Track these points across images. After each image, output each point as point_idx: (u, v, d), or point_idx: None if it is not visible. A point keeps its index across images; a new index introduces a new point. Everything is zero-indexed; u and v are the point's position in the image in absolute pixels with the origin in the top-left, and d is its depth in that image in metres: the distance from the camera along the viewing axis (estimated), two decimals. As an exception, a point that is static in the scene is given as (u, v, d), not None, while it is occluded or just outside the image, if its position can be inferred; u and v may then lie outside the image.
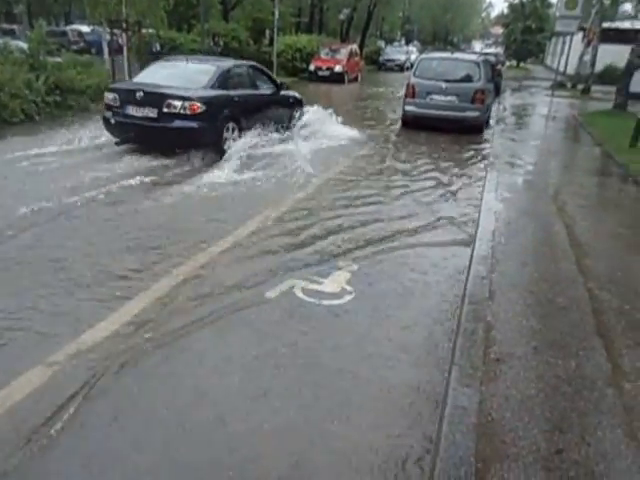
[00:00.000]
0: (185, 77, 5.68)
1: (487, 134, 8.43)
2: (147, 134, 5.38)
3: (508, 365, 2.24)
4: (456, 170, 5.93)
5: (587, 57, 16.88)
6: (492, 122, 9.40)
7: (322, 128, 7.08)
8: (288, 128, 6.74)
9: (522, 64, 32.78)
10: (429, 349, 2.39)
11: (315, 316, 2.60)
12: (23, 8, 27.28)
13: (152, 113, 5.25)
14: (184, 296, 2.68)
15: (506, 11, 34.11)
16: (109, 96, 5.58)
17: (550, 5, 29.18)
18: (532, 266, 3.31)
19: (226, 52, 14.30)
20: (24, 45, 9.08)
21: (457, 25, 50.33)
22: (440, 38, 47.99)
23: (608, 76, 17.13)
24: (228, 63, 6.29)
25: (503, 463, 1.73)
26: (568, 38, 16.43)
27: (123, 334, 2.33)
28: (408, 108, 8.43)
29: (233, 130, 5.73)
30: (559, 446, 1.81)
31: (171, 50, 14.14)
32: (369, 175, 5.39)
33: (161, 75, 5.79)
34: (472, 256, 3.36)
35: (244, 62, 6.93)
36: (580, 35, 17.29)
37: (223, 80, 5.75)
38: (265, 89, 6.57)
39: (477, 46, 45.78)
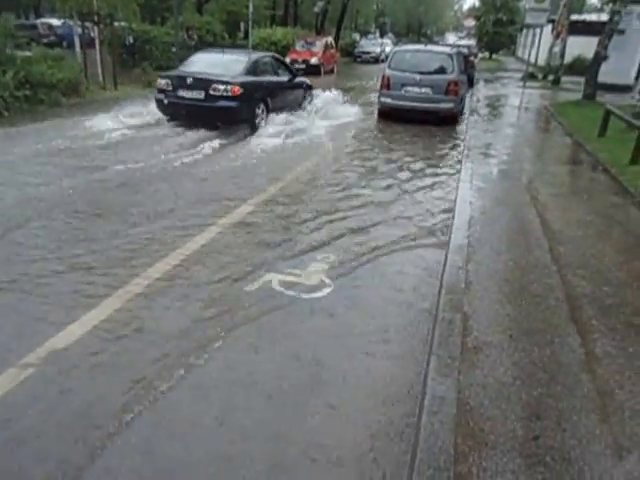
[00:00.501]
0: (223, 65, 7.01)
1: (461, 125, 8.55)
2: (195, 112, 6.62)
3: (485, 354, 2.25)
4: (432, 161, 5.98)
5: (557, 49, 17.36)
6: (466, 113, 9.54)
7: (329, 108, 8.57)
8: (302, 108, 8.26)
9: (494, 56, 33.41)
10: (408, 338, 2.38)
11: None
12: (-10, 1, 25.86)
13: (200, 95, 6.52)
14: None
15: (478, 4, 34.62)
16: (162, 82, 6.85)
17: (520, -2, 29.79)
18: (507, 255, 3.35)
19: (200, 45, 13.97)
20: (-10, 39, 8.70)
21: (430, 18, 50.87)
22: (414, 30, 48.38)
23: (577, 67, 17.62)
24: (256, 54, 7.83)
25: (481, 451, 1.73)
26: (538, 30, 16.85)
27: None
28: (384, 100, 8.47)
29: (262, 109, 7.05)
30: (536, 432, 1.82)
31: (144, 43, 13.72)
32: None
33: (203, 64, 7.12)
34: (448, 246, 3.38)
35: (267, 53, 8.56)
36: (549, 27, 17.74)
37: (253, 68, 7.11)
38: (283, 76, 7.96)
39: (450, 38, 46.35)
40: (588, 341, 2.40)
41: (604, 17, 13.28)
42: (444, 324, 2.41)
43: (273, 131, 6.77)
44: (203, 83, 6.52)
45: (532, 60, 17.85)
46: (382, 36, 35.05)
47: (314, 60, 16.51)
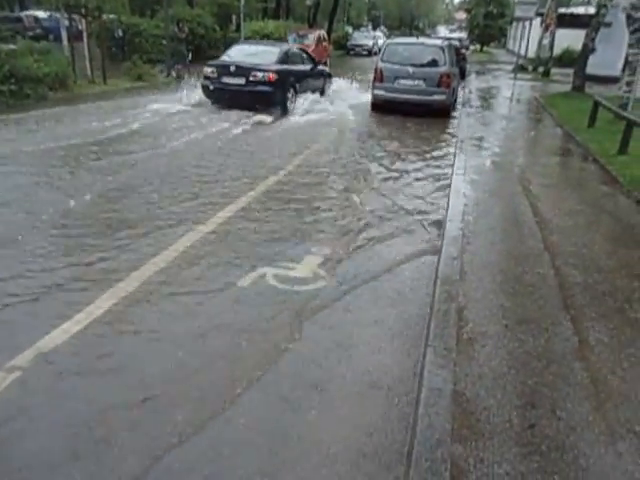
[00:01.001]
0: (259, 55, 8.21)
1: (454, 116, 8.58)
2: (237, 96, 7.79)
3: (481, 344, 2.25)
4: (424, 152, 6.00)
5: (546, 41, 17.52)
6: (459, 105, 9.57)
7: (343, 93, 9.97)
8: (323, 93, 9.56)
9: (485, 48, 33.56)
10: (403, 328, 2.37)
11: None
12: (-28, -7, 25.20)
13: (241, 81, 7.71)
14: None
15: (468, -3, 34.56)
16: (208, 69, 8.02)
17: (510, -9, 29.82)
18: (501, 245, 3.37)
19: (192, 38, 13.79)
20: (-27, 32, 8.51)
21: (422, 11, 50.84)
22: (406, 23, 48.27)
23: (566, 59, 17.86)
24: (285, 46, 9.26)
25: (478, 442, 1.73)
26: (527, 23, 16.95)
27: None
28: (377, 92, 8.48)
29: (292, 93, 8.24)
30: (531, 421, 1.83)
31: (133, 36, 13.48)
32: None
33: (242, 54, 8.31)
34: (443, 237, 3.38)
35: (291, 45, 10.30)
36: (538, 20, 17.84)
37: (284, 58, 8.31)
38: (308, 65, 9.15)
39: (442, 31, 46.27)
40: (581, 329, 2.42)
41: (591, 10, 13.39)
42: (439, 315, 2.40)
43: (301, 111, 8.10)
44: (244, 71, 7.72)
45: (522, 52, 17.98)
46: (375, 29, 34.90)
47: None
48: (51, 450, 1.66)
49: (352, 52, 23.69)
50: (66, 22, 10.47)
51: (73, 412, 1.81)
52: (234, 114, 7.54)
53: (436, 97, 8.19)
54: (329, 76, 10.07)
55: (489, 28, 31.10)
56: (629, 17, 9.07)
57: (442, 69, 8.21)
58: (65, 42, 10.29)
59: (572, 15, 18.52)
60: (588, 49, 11.81)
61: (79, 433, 1.72)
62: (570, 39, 17.17)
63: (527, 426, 1.81)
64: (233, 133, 6.52)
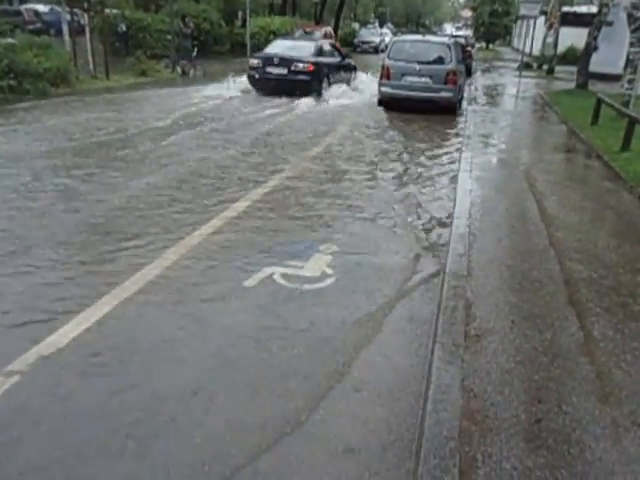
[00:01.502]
0: (297, 49, 9.53)
1: (460, 113, 8.60)
2: (280, 85, 9.01)
3: (488, 340, 2.27)
4: (433, 151, 5.99)
5: (550, 39, 17.58)
6: (465, 102, 9.56)
7: (365, 84, 10.93)
8: (349, 83, 10.61)
9: (491, 46, 33.56)
10: (411, 328, 2.38)
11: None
12: (-30, -15, 25.08)
13: (284, 71, 9.04)
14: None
15: (474, -5, 34.42)
16: (254, 61, 9.40)
17: (515, -10, 29.74)
18: (507, 241, 3.38)
19: (197, 34, 13.77)
20: (-29, 26, 8.46)
21: (428, 8, 50.63)
22: (412, 21, 48.10)
23: (570, 57, 17.87)
24: (320, 41, 10.84)
25: (486, 437, 1.74)
26: (532, 21, 16.96)
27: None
28: (384, 89, 8.50)
29: (326, 82, 9.52)
30: (538, 416, 1.85)
31: (138, 31, 13.45)
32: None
33: (282, 47, 9.61)
34: (450, 235, 3.39)
35: (325, 40, 12.15)
36: (542, 19, 17.84)
37: (319, 51, 9.70)
38: (337, 58, 10.42)
39: (448, 29, 46.02)
40: (586, 324, 2.44)
41: (594, 9, 13.41)
42: (447, 311, 2.42)
43: (334, 97, 9.23)
44: (286, 62, 9.00)
45: (527, 50, 17.96)
46: (381, 26, 34.65)
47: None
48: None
49: (359, 49, 23.63)
50: (68, 16, 10.41)
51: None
52: (279, 99, 8.82)
53: (443, 94, 8.19)
54: (354, 69, 11.22)
55: (494, 26, 31.09)
56: (630, 16, 9.12)
57: (448, 66, 8.22)
58: (66, 37, 10.20)
59: (575, 14, 18.56)
60: (591, 47, 11.89)
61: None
62: (573, 37, 17.22)
63: (534, 421, 1.82)
64: (284, 113, 7.90)
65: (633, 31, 8.69)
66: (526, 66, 16.81)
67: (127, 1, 11.85)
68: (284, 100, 8.73)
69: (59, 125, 6.21)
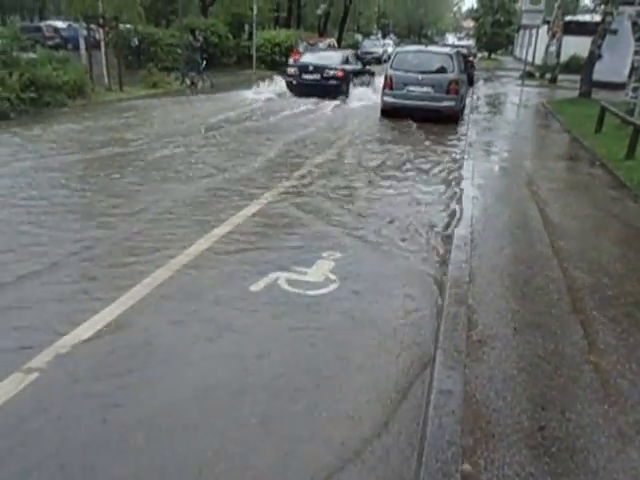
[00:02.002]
0: (327, 58, 11.51)
1: (462, 122, 8.66)
2: (314, 89, 10.77)
3: (490, 346, 2.28)
4: (434, 158, 6.05)
5: (552, 48, 17.66)
6: (467, 111, 9.66)
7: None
8: (369, 85, 12.28)
9: (493, 55, 33.76)
10: (414, 331, 2.41)
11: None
12: (-5, 3, 26.17)
13: (317, 77, 10.83)
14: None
15: (476, 5, 34.89)
16: (291, 70, 11.31)
17: (517, 0, 30.06)
18: (509, 249, 3.39)
19: (205, 46, 14.12)
20: (-5, 42, 8.82)
21: (430, 19, 51.28)
22: (415, 31, 48.72)
23: (573, 66, 17.89)
24: (346, 51, 13.27)
25: (489, 443, 1.75)
26: (534, 31, 17.11)
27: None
28: (386, 99, 8.63)
29: (350, 86, 11.23)
30: (541, 423, 1.85)
31: (149, 45, 13.88)
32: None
33: (314, 57, 11.70)
34: (452, 242, 3.41)
35: (350, 50, 14.76)
36: (545, 28, 17.98)
37: (345, 60, 11.58)
38: (359, 65, 12.49)
39: (450, 39, 46.54)
40: (590, 332, 2.43)
41: (597, 18, 13.50)
42: (449, 318, 2.44)
43: (357, 98, 10.79)
44: (320, 69, 10.82)
45: (529, 59, 18.09)
46: (384, 37, 35.22)
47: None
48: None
49: (362, 60, 24.01)
50: (84, 32, 10.84)
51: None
52: (313, 100, 10.45)
53: (445, 103, 8.29)
54: (373, 74, 12.98)
55: (496, 36, 31.34)
56: (635, 24, 9.21)
57: (450, 76, 8.33)
58: (83, 51, 10.65)
59: (578, 23, 18.64)
60: (594, 56, 11.92)
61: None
62: (576, 46, 17.27)
63: (537, 428, 1.82)
64: (319, 110, 9.62)
65: (638, 39, 8.76)
66: (528, 75, 16.88)
67: (140, 16, 12.20)
68: (314, 101, 10.45)
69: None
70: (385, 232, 3.62)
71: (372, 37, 32.71)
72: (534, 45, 17.10)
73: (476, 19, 33.95)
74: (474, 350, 2.24)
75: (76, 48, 11.92)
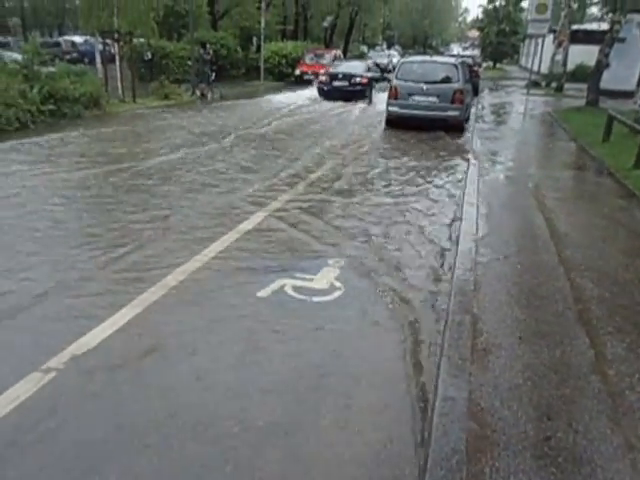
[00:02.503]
0: (353, 67, 13.62)
1: (467, 131, 8.69)
2: (342, 93, 12.72)
3: (495, 355, 2.28)
4: (439, 165, 6.11)
5: (559, 57, 17.63)
6: (472, 120, 9.70)
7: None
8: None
9: (498, 65, 33.76)
10: (417, 338, 2.42)
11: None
12: (17, 20, 27.35)
13: (346, 83, 12.85)
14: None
15: (481, 16, 35.09)
16: (323, 77, 13.26)
17: (522, 9, 30.27)
18: (514, 258, 3.38)
19: (215, 59, 14.46)
20: (18, 56, 9.22)
21: (435, 30, 51.67)
22: (420, 42, 49.12)
23: (579, 74, 17.81)
24: (369, 61, 15.94)
25: (494, 452, 1.74)
26: (540, 40, 17.16)
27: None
28: (391, 109, 8.70)
29: (373, 91, 13.14)
30: (547, 433, 1.83)
31: (161, 58, 14.30)
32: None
33: (342, 67, 13.72)
34: (457, 250, 3.42)
35: (370, 60, 17.36)
36: (551, 37, 18.02)
37: (368, 68, 13.86)
38: (379, 73, 14.67)
39: (455, 49, 46.89)
40: (597, 343, 2.41)
41: (604, 26, 13.51)
42: (454, 326, 2.44)
43: (380, 102, 11.58)
44: (348, 77, 12.88)
45: (535, 68, 18.11)
46: (389, 48, 35.63)
47: (323, 72, 17.14)
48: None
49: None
50: (100, 46, 11.22)
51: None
52: (341, 103, 12.20)
53: (450, 113, 8.33)
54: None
55: (502, 45, 31.42)
56: (643, 32, 9.14)
57: (455, 86, 8.38)
58: (99, 64, 11.00)
59: (585, 31, 18.62)
60: (602, 64, 11.85)
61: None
62: (583, 55, 17.27)
63: (543, 438, 1.81)
64: (347, 111, 11.20)
65: (646, 47, 8.71)
66: (534, 84, 16.89)
67: (153, 31, 12.57)
68: (343, 104, 12.17)
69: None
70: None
71: (377, 48, 33.13)
72: (540, 54, 17.12)
73: (481, 29, 34.14)
74: (479, 358, 2.24)
75: (92, 62, 12.33)
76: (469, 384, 2.06)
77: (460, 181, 5.42)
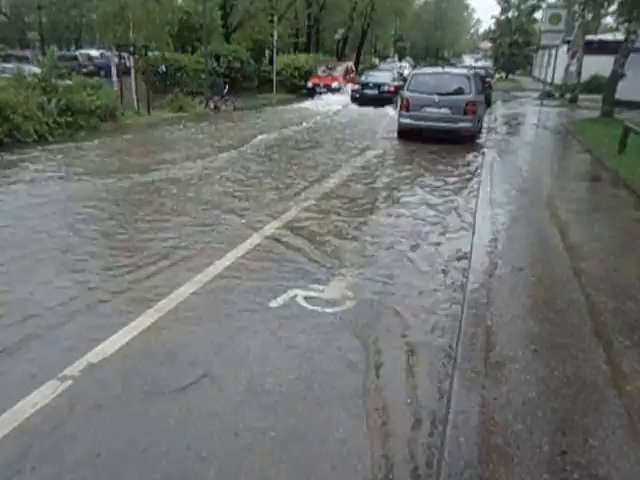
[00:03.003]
0: (382, 76, 16.18)
1: (480, 143, 8.68)
2: (373, 100, 14.85)
3: (509, 368, 2.26)
4: (451, 179, 6.10)
5: (573, 68, 17.54)
6: (484, 131, 9.68)
7: None
8: None
9: (511, 76, 33.72)
10: (431, 352, 2.43)
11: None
12: (36, 35, 28.43)
13: (376, 91, 15.26)
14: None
15: (493, 27, 35.19)
16: (355, 86, 16.03)
17: (535, 20, 30.25)
18: (529, 270, 3.35)
19: (228, 72, 14.81)
20: (37, 70, 9.52)
21: (447, 41, 51.92)
22: (431, 54, 49.36)
23: (594, 85, 17.73)
24: (395, 70, 18.35)
25: (508, 466, 1.73)
26: (554, 50, 17.13)
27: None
28: (403, 120, 8.74)
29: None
30: (562, 448, 1.82)
31: (176, 71, 14.69)
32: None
33: (371, 77, 16.18)
34: (470, 263, 3.42)
35: (396, 70, 18.75)
36: (565, 47, 17.96)
37: (394, 77, 15.99)
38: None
39: (467, 60, 47.02)
40: (614, 357, 2.38)
41: (619, 36, 13.45)
42: (467, 339, 2.44)
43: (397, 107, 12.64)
44: (378, 85, 15.26)
45: (549, 80, 18.05)
46: (400, 60, 35.94)
47: (335, 84, 17.52)
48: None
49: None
50: (116, 59, 11.57)
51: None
52: (372, 109, 14.15)
53: (462, 124, 8.34)
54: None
55: (514, 56, 31.43)
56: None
57: (468, 97, 8.40)
58: (115, 77, 11.33)
59: (600, 42, 18.56)
60: (617, 75, 11.78)
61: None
62: (598, 65, 17.18)
63: (558, 453, 1.80)
64: (378, 114, 13.04)
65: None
66: (548, 95, 16.86)
67: (168, 44, 12.95)
68: (374, 109, 14.06)
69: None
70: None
71: (389, 60, 33.45)
72: (553, 65, 17.10)
73: (493, 40, 34.23)
74: (493, 371, 2.23)
75: (108, 75, 12.71)
76: (482, 397, 2.05)
77: (472, 192, 5.43)
